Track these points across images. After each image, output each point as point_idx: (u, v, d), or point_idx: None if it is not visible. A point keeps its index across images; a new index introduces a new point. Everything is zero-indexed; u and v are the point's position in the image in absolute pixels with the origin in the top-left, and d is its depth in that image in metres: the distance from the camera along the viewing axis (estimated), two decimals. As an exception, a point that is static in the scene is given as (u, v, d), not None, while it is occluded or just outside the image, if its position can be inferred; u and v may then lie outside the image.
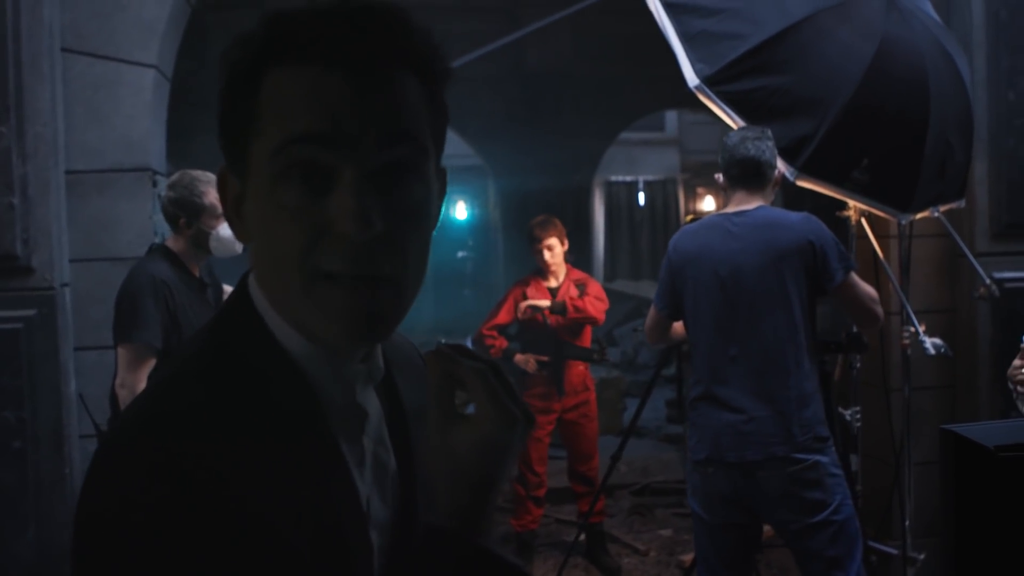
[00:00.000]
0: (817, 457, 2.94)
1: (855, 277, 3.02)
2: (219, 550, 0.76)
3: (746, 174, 3.07)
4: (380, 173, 0.85)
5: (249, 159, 0.87)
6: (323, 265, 0.83)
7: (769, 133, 3.08)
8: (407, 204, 0.87)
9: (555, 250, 4.95)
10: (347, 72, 0.84)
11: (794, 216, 3.08)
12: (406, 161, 0.87)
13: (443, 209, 0.95)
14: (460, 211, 14.31)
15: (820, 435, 2.97)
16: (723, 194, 3.24)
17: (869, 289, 3.07)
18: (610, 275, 16.20)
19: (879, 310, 3.09)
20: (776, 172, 3.11)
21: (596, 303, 4.99)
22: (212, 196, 3.15)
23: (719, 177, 3.18)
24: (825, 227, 3.03)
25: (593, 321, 4.98)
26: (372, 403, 0.96)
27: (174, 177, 3.20)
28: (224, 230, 3.18)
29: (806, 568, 3.04)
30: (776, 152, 3.09)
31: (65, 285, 3.56)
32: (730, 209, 3.13)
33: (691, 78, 3.14)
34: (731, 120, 3.14)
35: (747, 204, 3.08)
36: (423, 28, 0.88)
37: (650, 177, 16.88)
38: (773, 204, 3.19)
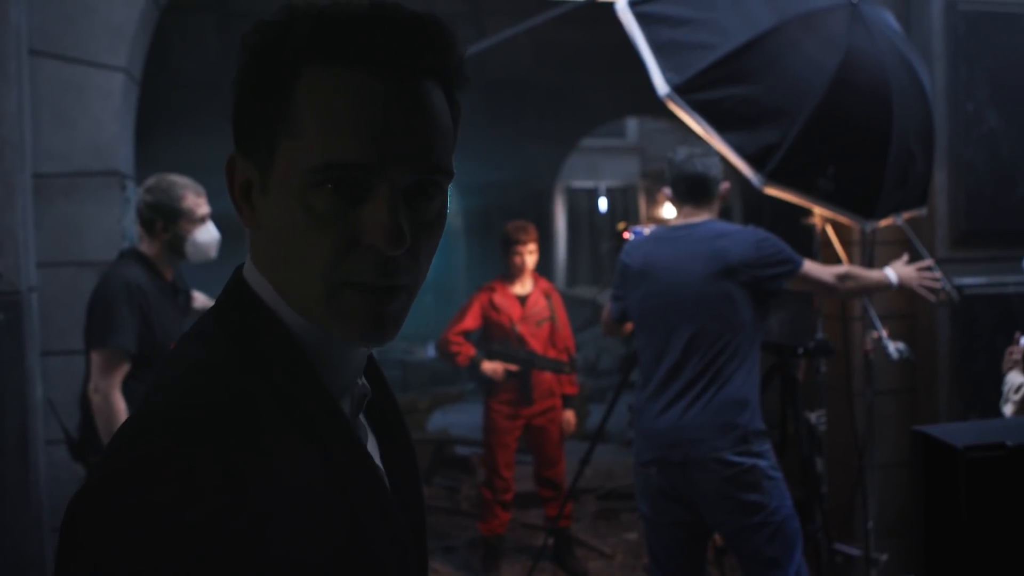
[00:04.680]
0: (754, 461, 3.02)
1: (805, 270, 3.11)
2: (256, 556, 0.76)
3: (693, 190, 3.19)
4: (410, 188, 0.87)
5: (276, 154, 0.87)
6: (350, 276, 0.86)
7: (714, 150, 3.18)
8: (429, 216, 0.90)
9: (533, 256, 4.99)
10: (392, 88, 0.85)
11: (738, 229, 3.18)
12: (435, 179, 0.89)
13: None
14: (422, 217, 14.26)
15: (757, 439, 3.05)
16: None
17: (823, 274, 3.18)
18: (571, 281, 16.28)
19: (838, 285, 3.20)
20: (722, 187, 3.22)
21: (567, 329, 5.12)
22: (190, 200, 3.15)
23: (667, 191, 3.28)
24: (771, 236, 3.12)
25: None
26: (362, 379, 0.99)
27: (151, 181, 3.18)
28: (200, 235, 3.17)
29: (746, 568, 3.14)
30: (722, 167, 3.20)
31: (32, 290, 3.52)
32: (678, 222, 3.24)
33: (661, 87, 3.20)
34: (700, 128, 3.20)
35: (694, 218, 3.20)
36: (454, 37, 0.89)
37: (611, 183, 17.00)
38: (732, 211, 3.29)
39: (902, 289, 3.39)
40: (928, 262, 3.47)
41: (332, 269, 0.86)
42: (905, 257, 3.47)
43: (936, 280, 3.40)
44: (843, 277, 3.22)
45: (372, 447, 1.01)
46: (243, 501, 0.76)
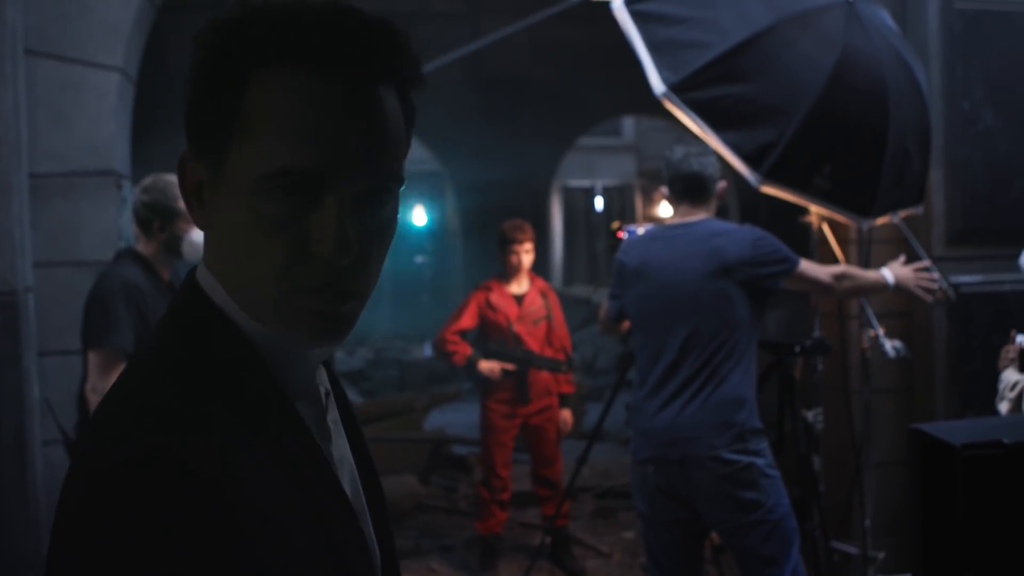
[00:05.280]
0: (752, 459, 3.03)
1: (801, 269, 3.12)
2: (228, 555, 0.76)
3: (689, 189, 3.20)
4: (361, 194, 0.87)
5: (227, 157, 0.86)
6: (300, 281, 0.85)
7: (711, 149, 3.18)
8: (378, 222, 0.89)
9: (529, 255, 4.99)
10: (344, 93, 0.85)
11: (735, 228, 3.19)
12: (386, 185, 0.89)
13: (400, 212, 0.97)
14: (419, 216, 14.29)
15: (754, 437, 3.06)
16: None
17: (819, 273, 3.18)
18: (567, 280, 16.29)
19: (835, 284, 3.21)
20: (718, 186, 3.23)
21: (564, 329, 5.12)
22: (186, 201, 3.15)
23: (664, 189, 3.28)
24: (767, 235, 3.12)
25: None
26: (323, 381, 0.99)
27: (147, 181, 3.18)
28: (197, 235, 3.16)
29: (743, 565, 3.15)
30: (719, 166, 3.21)
31: (28, 290, 3.52)
32: (674, 221, 3.25)
33: (657, 85, 3.20)
34: (697, 127, 3.20)
35: (691, 217, 3.20)
36: (408, 40, 0.89)
37: (607, 182, 17.00)
38: (728, 209, 3.29)
39: (899, 290, 3.39)
40: (925, 263, 3.47)
41: (282, 275, 0.85)
42: (902, 258, 3.47)
43: (933, 280, 3.40)
44: (840, 277, 3.22)
45: (343, 446, 1.01)
46: (208, 505, 0.76)
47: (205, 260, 0.93)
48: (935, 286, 3.41)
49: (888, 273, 3.35)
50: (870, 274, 3.36)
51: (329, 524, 0.88)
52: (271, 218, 0.84)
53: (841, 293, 3.31)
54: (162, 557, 0.73)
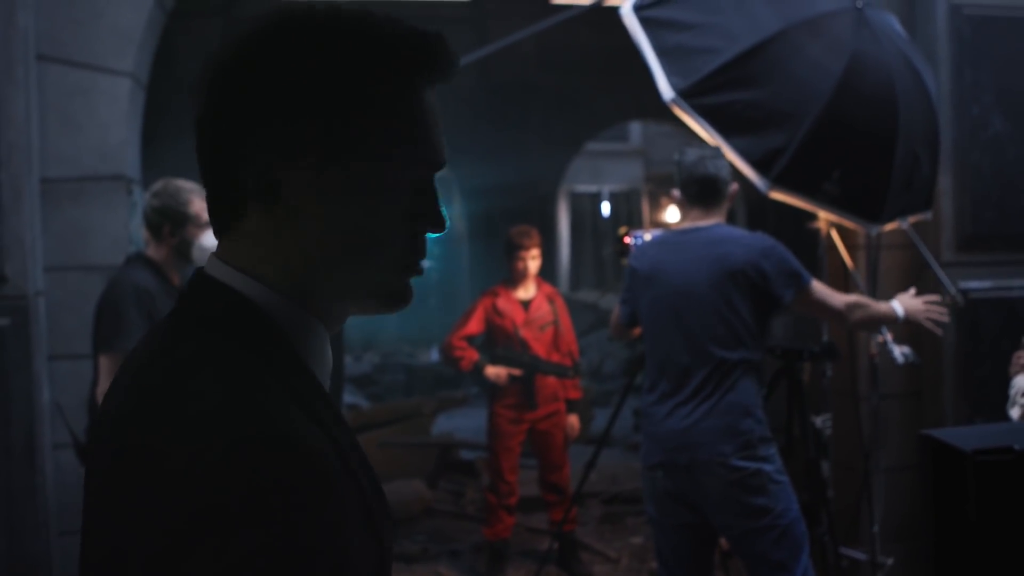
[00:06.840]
0: (760, 465, 3.03)
1: (812, 288, 3.11)
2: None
3: (703, 192, 3.19)
4: None
5: (395, 158, 0.97)
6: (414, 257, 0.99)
7: (723, 152, 3.17)
8: None
9: (536, 261, 5.00)
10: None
11: (747, 235, 3.19)
12: None
13: None
14: (426, 220, 14.27)
15: (763, 443, 3.06)
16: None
17: (832, 299, 3.17)
18: (574, 285, 16.28)
19: (847, 313, 3.18)
20: (731, 189, 3.22)
21: (570, 334, 5.13)
22: (197, 205, 3.15)
23: (676, 193, 3.28)
24: (778, 246, 3.11)
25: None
26: None
27: (157, 185, 3.19)
28: (207, 239, 3.17)
29: (753, 571, 3.14)
30: (730, 170, 3.20)
31: (39, 294, 3.53)
32: (686, 225, 3.24)
33: (666, 91, 3.20)
34: (706, 133, 3.20)
35: (703, 221, 3.19)
36: None
37: (615, 187, 17.01)
38: (736, 214, 3.28)
39: (908, 322, 3.35)
40: (934, 297, 3.43)
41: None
42: (912, 291, 3.43)
43: (942, 314, 3.36)
44: (853, 306, 3.18)
45: None
46: (308, 494, 0.77)
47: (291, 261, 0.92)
48: (945, 319, 3.38)
49: (898, 305, 3.30)
50: (881, 305, 3.31)
51: (374, 514, 0.89)
52: (413, 206, 0.98)
53: (852, 323, 3.26)
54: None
